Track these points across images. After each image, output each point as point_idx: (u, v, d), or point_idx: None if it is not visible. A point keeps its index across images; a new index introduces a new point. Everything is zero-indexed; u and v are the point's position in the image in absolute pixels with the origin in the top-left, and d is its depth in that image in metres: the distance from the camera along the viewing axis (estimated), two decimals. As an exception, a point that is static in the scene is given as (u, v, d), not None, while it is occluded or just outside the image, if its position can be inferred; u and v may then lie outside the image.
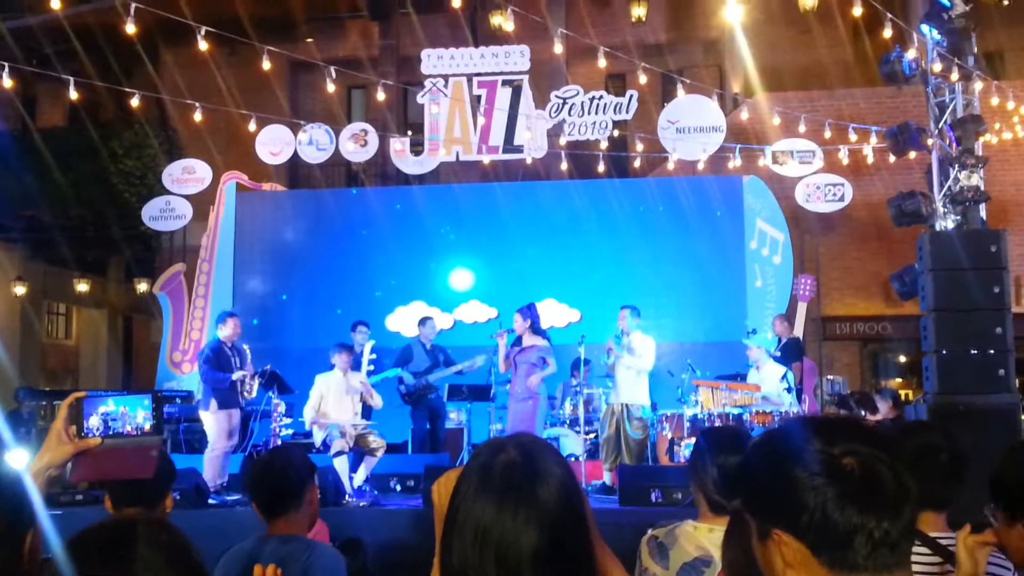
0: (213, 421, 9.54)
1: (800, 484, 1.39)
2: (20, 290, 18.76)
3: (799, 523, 1.39)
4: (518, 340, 9.96)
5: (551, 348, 9.97)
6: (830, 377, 12.40)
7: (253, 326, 13.99)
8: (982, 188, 9.06)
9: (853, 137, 12.69)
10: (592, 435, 10.55)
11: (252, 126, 12.94)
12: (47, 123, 19.07)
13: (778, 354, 10.75)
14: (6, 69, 10.54)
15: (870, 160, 12.94)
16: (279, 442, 9.94)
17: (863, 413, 9.90)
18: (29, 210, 16.98)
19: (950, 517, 2.79)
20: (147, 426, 2.25)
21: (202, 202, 14.38)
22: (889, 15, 9.44)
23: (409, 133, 14.69)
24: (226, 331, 9.88)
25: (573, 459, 9.94)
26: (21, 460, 2.07)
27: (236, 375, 9.63)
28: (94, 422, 2.20)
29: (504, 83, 13.16)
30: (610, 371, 9.87)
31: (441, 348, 11.30)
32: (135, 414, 2.24)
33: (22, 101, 17.23)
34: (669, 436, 9.82)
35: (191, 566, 1.54)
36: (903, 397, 15.44)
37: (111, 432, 2.21)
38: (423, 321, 11.51)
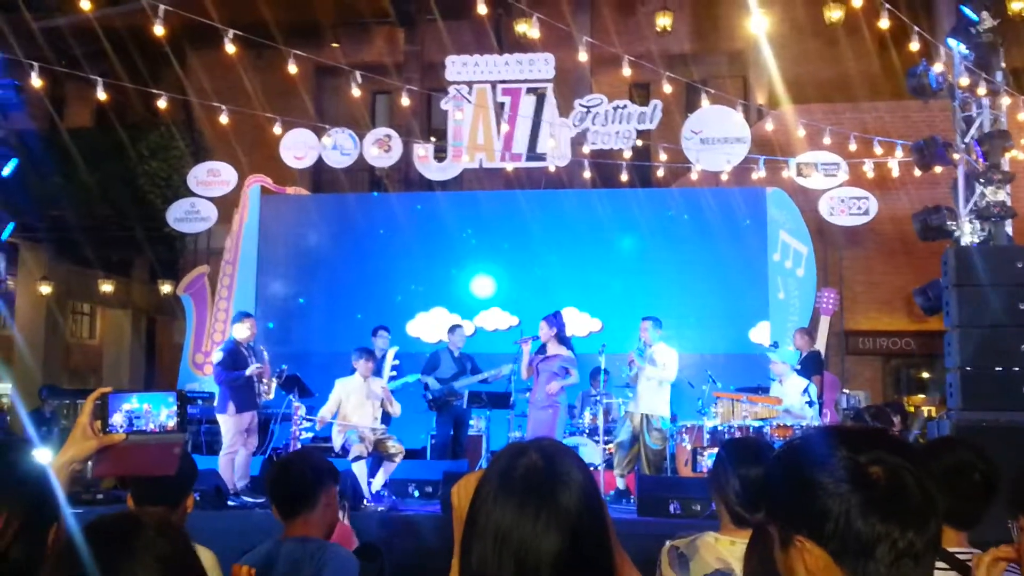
0: (231, 423, 9.54)
1: (824, 490, 1.38)
2: (45, 290, 18.90)
3: (822, 530, 1.38)
4: (542, 348, 9.95)
5: (575, 359, 9.95)
6: (846, 391, 12.33)
7: (271, 329, 14.08)
8: (1008, 204, 9.00)
9: (879, 150, 12.62)
10: (611, 445, 10.53)
11: (277, 130, 13.02)
12: (75, 123, 19.21)
13: (798, 367, 10.70)
14: (36, 69, 10.65)
15: (895, 174, 12.86)
16: (299, 445, 9.97)
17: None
18: (55, 210, 17.10)
19: (971, 533, 2.76)
20: (171, 424, 2.26)
21: (226, 205, 14.47)
22: (916, 29, 9.41)
23: (433, 139, 14.73)
24: (243, 332, 9.88)
25: (592, 468, 9.89)
26: (45, 458, 2.09)
27: (250, 370, 9.59)
28: (118, 419, 2.21)
29: (528, 91, 13.18)
30: (631, 383, 9.84)
31: (468, 356, 11.32)
32: (159, 412, 2.25)
33: (51, 101, 17.36)
34: (689, 448, 9.79)
35: (188, 571, 1.54)
36: (926, 414, 15.33)
37: (135, 429, 2.23)
38: (452, 329, 11.51)
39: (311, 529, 3.33)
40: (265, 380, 9.83)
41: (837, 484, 1.37)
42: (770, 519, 1.51)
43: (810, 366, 10.95)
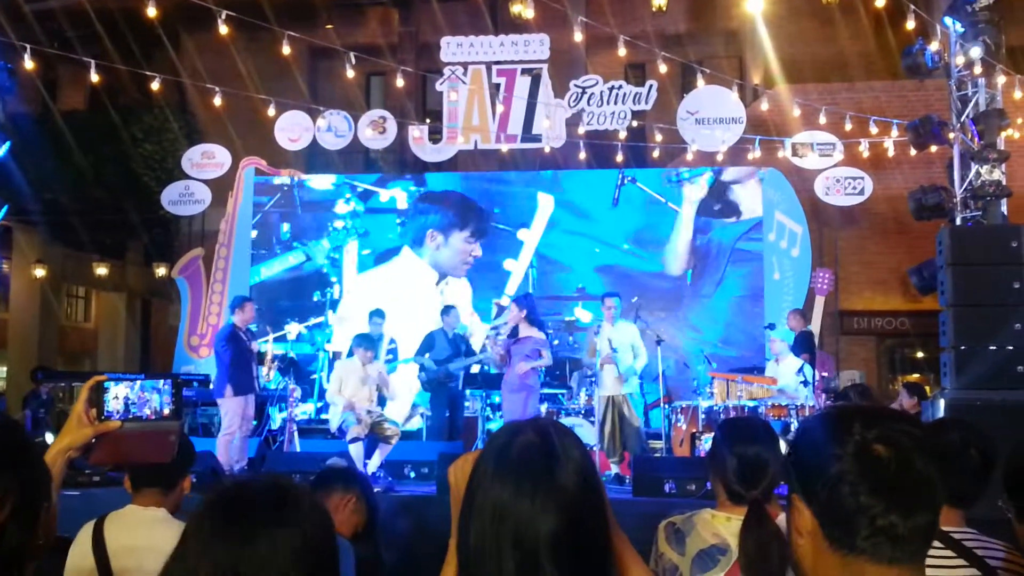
0: (229, 406, 9.61)
1: (825, 454, 1.42)
2: (40, 273, 18.84)
3: (812, 490, 1.43)
4: (514, 331, 9.93)
5: (547, 341, 9.94)
6: (825, 374, 12.23)
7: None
8: (1003, 183, 8.99)
9: (874, 130, 12.61)
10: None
11: (271, 111, 12.98)
12: (68, 106, 19.11)
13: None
14: (28, 51, 10.59)
15: (891, 153, 12.85)
16: (295, 427, 10.01)
17: None
18: (49, 193, 17.03)
19: (968, 511, 2.78)
20: (166, 411, 2.26)
21: (221, 187, 14.43)
22: (912, 7, 9.37)
23: (428, 121, 14.70)
24: (242, 316, 9.94)
25: (588, 448, 9.90)
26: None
27: (253, 346, 9.73)
28: (114, 406, 2.21)
29: (523, 72, 13.15)
30: (603, 363, 9.81)
31: (462, 337, 11.33)
32: (155, 398, 2.25)
33: (43, 84, 17.29)
34: (684, 428, 9.81)
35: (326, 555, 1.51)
36: (920, 393, 15.32)
37: (131, 416, 2.22)
38: (447, 310, 11.50)
39: None
40: (265, 365, 9.89)
41: (840, 451, 1.40)
42: (785, 476, 1.55)
43: (801, 345, 10.97)
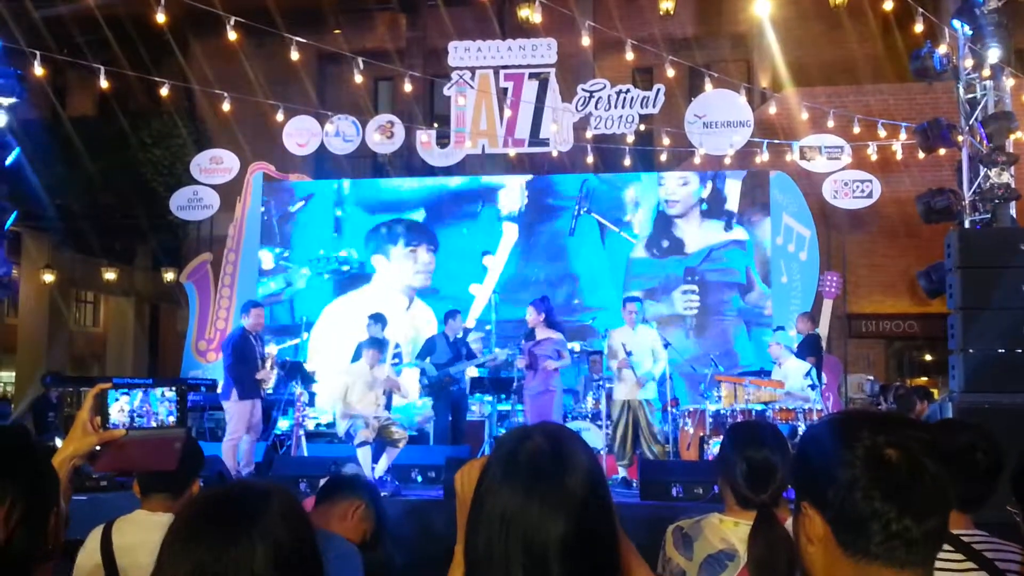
0: (234, 411, 9.61)
1: (836, 460, 1.41)
2: (49, 278, 18.89)
3: (824, 497, 1.42)
4: (531, 333, 9.95)
5: (565, 341, 9.96)
6: (870, 378, 12.12)
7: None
8: (1012, 186, 8.96)
9: (882, 133, 12.59)
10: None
11: (279, 117, 13.01)
12: (77, 112, 19.18)
13: (795, 349, 10.70)
14: (38, 57, 10.63)
15: (899, 156, 12.82)
16: (302, 432, 10.01)
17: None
18: (58, 199, 17.09)
19: (976, 515, 2.77)
20: (171, 419, 2.26)
21: (229, 192, 14.46)
22: (921, 10, 9.36)
23: (435, 125, 14.70)
24: (250, 321, 9.93)
25: (595, 453, 9.90)
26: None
27: (260, 375, 9.70)
28: (119, 415, 2.21)
29: (531, 76, 13.15)
30: (618, 367, 9.82)
31: (464, 342, 11.29)
32: (159, 406, 2.25)
33: (53, 90, 17.34)
34: (692, 431, 9.80)
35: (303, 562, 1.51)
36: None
37: (135, 424, 2.23)
38: (452, 314, 11.46)
39: (322, 523, 3.41)
40: (266, 370, 9.89)
41: (850, 457, 1.40)
42: (791, 483, 1.55)
43: (807, 348, 10.94)
